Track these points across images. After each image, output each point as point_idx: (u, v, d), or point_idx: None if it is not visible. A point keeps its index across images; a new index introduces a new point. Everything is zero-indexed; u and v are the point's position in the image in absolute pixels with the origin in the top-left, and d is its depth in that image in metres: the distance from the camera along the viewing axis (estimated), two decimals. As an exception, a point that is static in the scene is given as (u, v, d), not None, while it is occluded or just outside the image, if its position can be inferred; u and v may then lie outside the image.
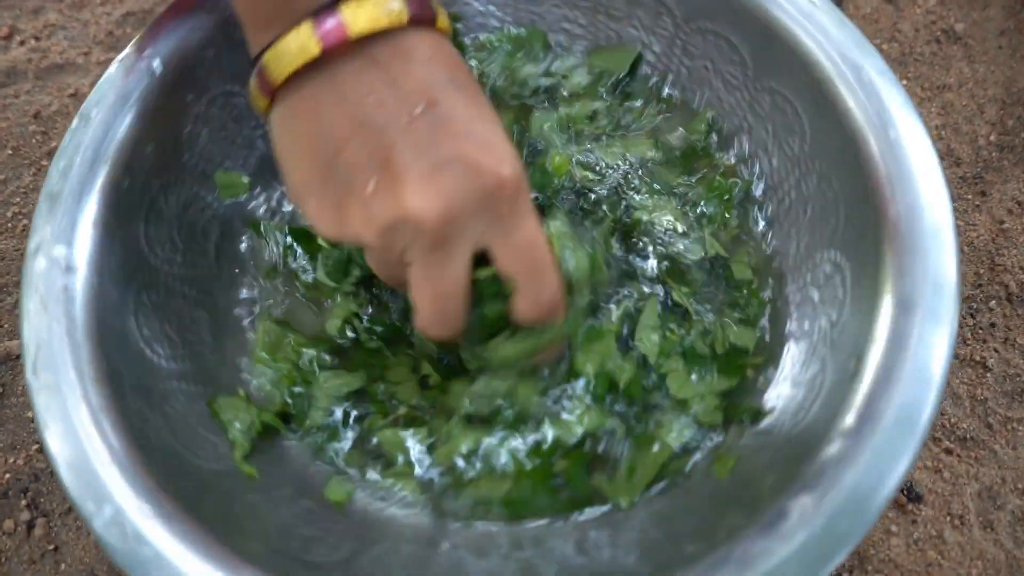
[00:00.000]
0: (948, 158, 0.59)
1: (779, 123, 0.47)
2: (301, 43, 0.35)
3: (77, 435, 0.37)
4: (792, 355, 0.44)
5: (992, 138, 0.60)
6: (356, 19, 0.35)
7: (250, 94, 0.39)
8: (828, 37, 0.43)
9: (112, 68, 0.45)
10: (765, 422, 0.42)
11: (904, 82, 0.62)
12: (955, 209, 0.57)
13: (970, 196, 0.58)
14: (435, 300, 0.37)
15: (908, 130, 0.40)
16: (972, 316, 0.54)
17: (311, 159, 0.37)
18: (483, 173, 0.34)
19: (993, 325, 0.53)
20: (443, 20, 0.38)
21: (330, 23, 0.35)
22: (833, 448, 0.35)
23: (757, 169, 0.49)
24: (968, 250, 0.56)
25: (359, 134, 0.36)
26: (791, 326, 0.44)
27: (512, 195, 0.35)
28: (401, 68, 0.36)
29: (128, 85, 0.45)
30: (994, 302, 0.54)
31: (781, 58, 0.45)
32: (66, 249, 0.41)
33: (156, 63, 0.45)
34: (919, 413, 0.34)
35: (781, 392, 0.43)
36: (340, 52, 0.36)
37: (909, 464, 0.34)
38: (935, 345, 0.35)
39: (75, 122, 0.44)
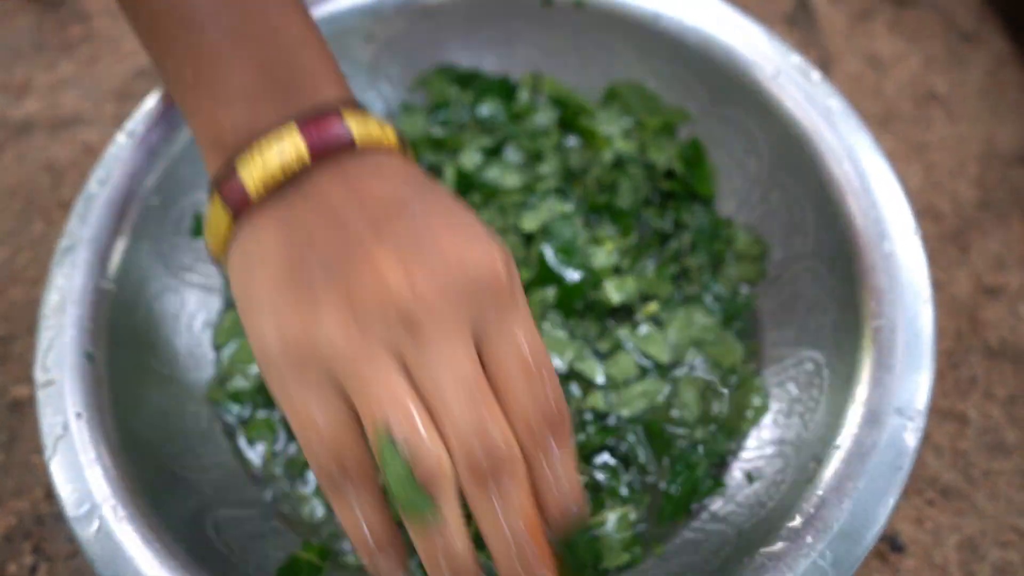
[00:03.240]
0: (929, 214, 0.61)
1: (785, 218, 0.48)
2: (290, 147, 0.33)
3: (71, 433, 0.40)
4: (759, 447, 0.45)
5: (973, 195, 0.62)
6: (358, 128, 0.34)
7: (207, 219, 0.36)
8: (841, 142, 0.45)
9: (158, 90, 0.48)
10: (722, 511, 0.43)
11: (887, 140, 0.64)
12: (937, 265, 0.59)
13: (951, 252, 0.60)
14: (467, 389, 0.30)
15: (903, 245, 0.41)
16: (953, 369, 0.55)
17: (273, 266, 0.32)
18: (474, 257, 0.31)
19: (973, 379, 0.55)
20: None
21: (327, 130, 0.33)
22: (776, 548, 0.36)
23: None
24: (949, 305, 0.58)
25: (334, 234, 0.32)
26: (766, 419, 0.46)
27: (505, 289, 0.32)
28: (373, 180, 0.34)
29: (173, 108, 0.48)
30: (974, 356, 0.56)
31: (795, 157, 0.47)
32: (92, 255, 0.44)
33: None
34: (869, 525, 0.36)
35: (740, 485, 0.44)
36: (320, 163, 0.33)
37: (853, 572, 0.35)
38: (894, 467, 0.37)
39: (119, 137, 0.47)
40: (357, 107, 0.35)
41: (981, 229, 0.61)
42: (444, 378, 0.30)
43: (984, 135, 0.65)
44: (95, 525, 0.38)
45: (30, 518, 0.51)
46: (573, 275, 0.47)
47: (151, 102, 0.48)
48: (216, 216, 0.35)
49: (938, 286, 0.58)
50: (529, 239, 0.50)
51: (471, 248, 0.32)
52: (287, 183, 0.33)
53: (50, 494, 0.52)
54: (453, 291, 0.31)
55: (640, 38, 0.52)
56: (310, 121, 0.33)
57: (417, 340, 0.30)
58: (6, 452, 0.53)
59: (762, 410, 0.46)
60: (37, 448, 0.53)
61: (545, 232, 0.48)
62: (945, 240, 0.60)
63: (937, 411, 0.54)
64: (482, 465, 0.30)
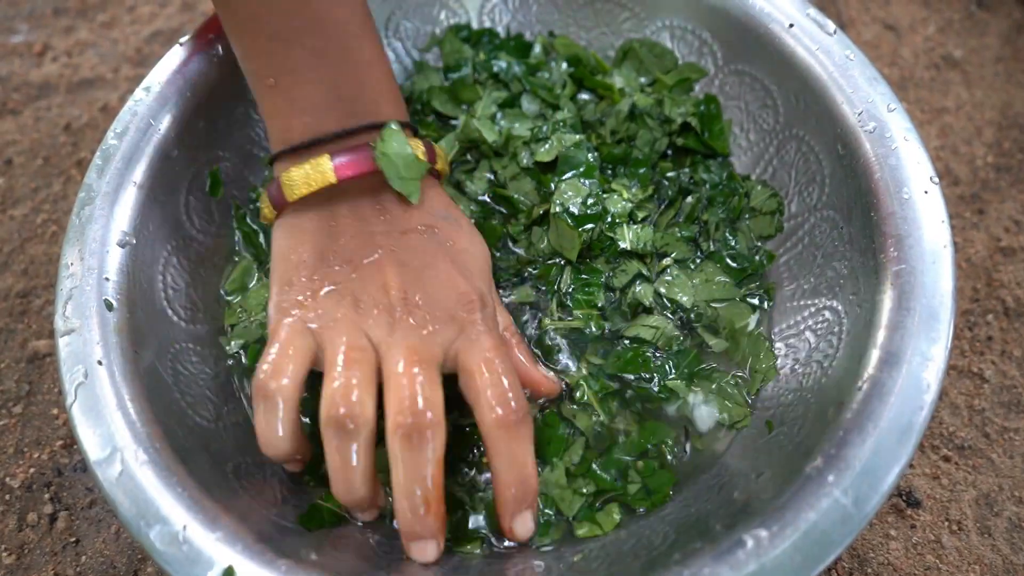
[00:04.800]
0: (947, 177, 0.61)
1: (801, 170, 0.48)
2: (320, 170, 0.41)
3: (93, 380, 0.40)
4: (777, 396, 0.45)
5: (989, 159, 0.62)
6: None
7: (261, 199, 0.44)
8: (858, 92, 0.45)
9: (176, 48, 0.48)
10: (742, 456, 0.43)
11: (904, 105, 0.64)
12: (953, 227, 0.59)
13: (968, 214, 0.60)
14: (412, 368, 0.38)
15: (922, 191, 0.41)
16: (970, 329, 0.55)
17: (308, 250, 0.42)
18: (459, 289, 0.41)
19: (990, 338, 0.55)
20: (442, 164, 0.45)
21: (347, 158, 0.41)
22: (798, 487, 0.36)
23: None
24: (966, 266, 0.58)
25: (359, 241, 0.42)
26: (784, 368, 0.46)
27: (478, 314, 0.40)
28: (398, 207, 0.42)
29: (190, 64, 0.48)
30: (991, 316, 0.55)
31: (811, 108, 0.47)
32: (110, 206, 0.44)
33: (219, 46, 0.49)
34: (891, 464, 0.35)
35: (760, 432, 0.44)
36: (355, 181, 0.42)
37: (871, 514, 0.35)
38: (915, 407, 0.37)
39: (138, 92, 0.47)
40: (407, 127, 0.43)
41: (997, 192, 0.61)
42: (401, 357, 0.38)
43: (1001, 101, 0.65)
44: (117, 469, 0.38)
45: (50, 468, 0.51)
46: (588, 211, 0.48)
47: (170, 59, 0.48)
48: (264, 205, 0.44)
49: (955, 247, 0.58)
50: (544, 182, 0.50)
51: (458, 284, 0.41)
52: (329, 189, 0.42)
53: (68, 445, 0.52)
54: (435, 311, 0.40)
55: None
56: (345, 151, 0.41)
57: (393, 331, 0.39)
58: (26, 404, 0.53)
59: (771, 373, 0.46)
60: (56, 400, 0.53)
61: (561, 162, 0.49)
62: (962, 203, 0.60)
63: (954, 370, 0.54)
64: (408, 423, 0.36)
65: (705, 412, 0.45)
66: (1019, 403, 0.53)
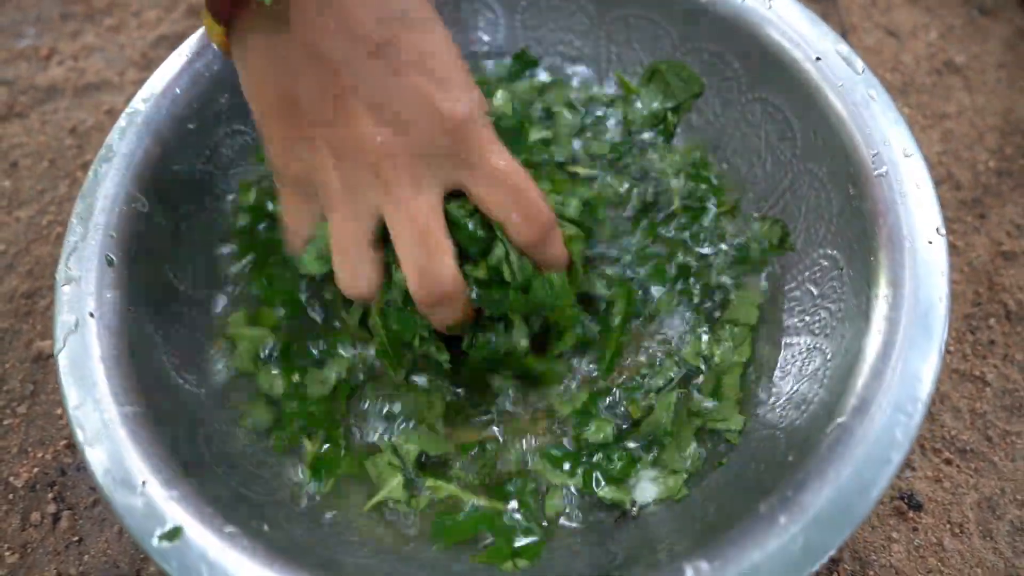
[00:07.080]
0: (948, 182, 0.61)
1: (812, 206, 0.47)
2: None
3: (83, 330, 0.40)
4: (749, 433, 0.45)
5: (991, 164, 0.62)
6: None
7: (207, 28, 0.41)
8: (876, 133, 0.43)
9: (200, 31, 0.50)
10: (712, 484, 0.43)
11: (906, 110, 0.64)
12: (955, 231, 0.59)
13: (969, 219, 0.60)
14: (418, 236, 0.38)
15: (926, 242, 0.40)
16: (972, 333, 0.55)
17: (268, 100, 0.39)
18: (440, 110, 0.36)
19: (992, 342, 0.55)
20: None
21: None
22: (748, 525, 0.35)
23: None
24: (968, 270, 0.58)
25: (315, 70, 0.37)
26: (764, 405, 0.46)
27: (472, 129, 0.37)
28: (356, 9, 0.36)
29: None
30: (993, 320, 0.56)
31: (828, 145, 0.46)
32: (125, 167, 0.45)
33: None
34: (843, 519, 0.34)
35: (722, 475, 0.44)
36: None
37: (816, 565, 0.34)
38: (877, 468, 0.35)
39: (172, 56, 0.49)
40: None
41: (999, 197, 0.61)
42: (402, 228, 0.38)
43: (1003, 106, 0.65)
44: (94, 418, 0.38)
45: (53, 468, 0.51)
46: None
47: (202, 35, 0.49)
48: (208, 23, 0.40)
49: (956, 252, 0.58)
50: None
51: (443, 98, 0.37)
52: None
53: (72, 445, 0.52)
54: (421, 148, 0.37)
55: (689, 18, 0.52)
56: None
57: (386, 194, 0.38)
58: (30, 404, 0.53)
59: (737, 366, 0.46)
60: (60, 401, 0.54)
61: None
62: (963, 207, 0.60)
63: (956, 373, 0.54)
64: (421, 295, 0.39)
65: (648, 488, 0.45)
66: (1021, 407, 0.53)
